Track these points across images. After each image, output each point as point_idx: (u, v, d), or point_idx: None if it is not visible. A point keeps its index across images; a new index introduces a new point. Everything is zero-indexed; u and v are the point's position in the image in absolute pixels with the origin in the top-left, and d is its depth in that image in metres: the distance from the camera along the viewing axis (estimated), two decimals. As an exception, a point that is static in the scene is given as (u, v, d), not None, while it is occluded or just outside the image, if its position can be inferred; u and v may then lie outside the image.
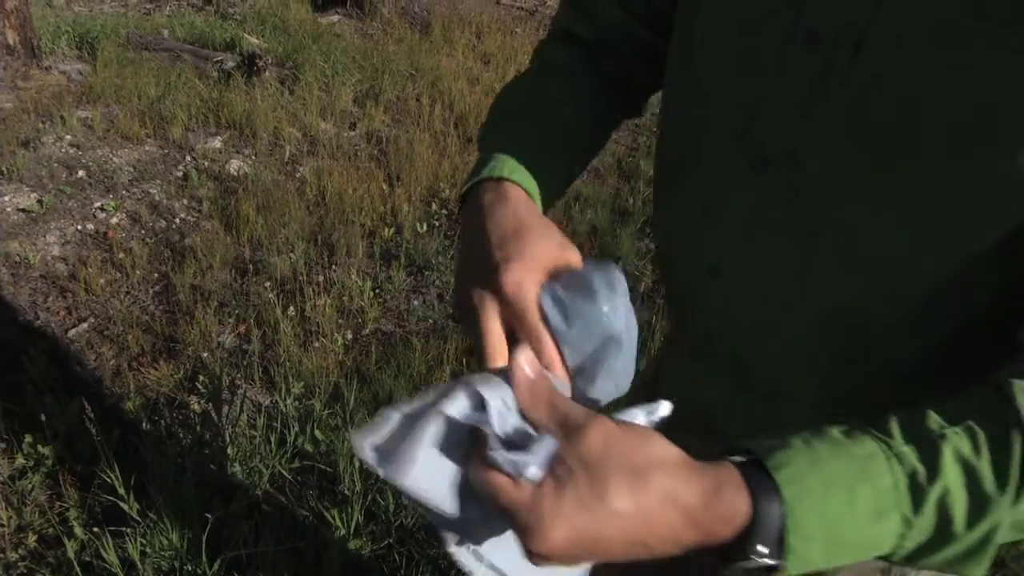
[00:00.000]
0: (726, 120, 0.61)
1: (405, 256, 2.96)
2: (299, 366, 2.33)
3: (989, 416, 0.47)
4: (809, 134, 0.55)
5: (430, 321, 2.68)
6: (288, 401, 2.10)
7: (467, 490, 0.50)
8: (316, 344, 2.48)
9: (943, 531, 0.46)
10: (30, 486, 1.91)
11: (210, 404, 2.04)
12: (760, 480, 0.46)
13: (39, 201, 3.25)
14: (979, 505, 0.46)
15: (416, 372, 2.30)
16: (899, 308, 0.56)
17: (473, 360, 2.35)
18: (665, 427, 0.49)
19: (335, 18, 5.92)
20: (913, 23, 0.49)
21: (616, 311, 0.52)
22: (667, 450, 0.46)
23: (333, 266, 2.93)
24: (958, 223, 0.52)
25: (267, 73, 4.41)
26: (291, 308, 2.63)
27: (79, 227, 3.12)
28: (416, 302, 2.80)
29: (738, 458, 0.47)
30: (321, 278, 2.84)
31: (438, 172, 3.56)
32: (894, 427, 0.48)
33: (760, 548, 0.45)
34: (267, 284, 2.79)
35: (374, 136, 4.02)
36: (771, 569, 0.46)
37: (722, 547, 0.46)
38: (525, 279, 0.52)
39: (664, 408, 0.52)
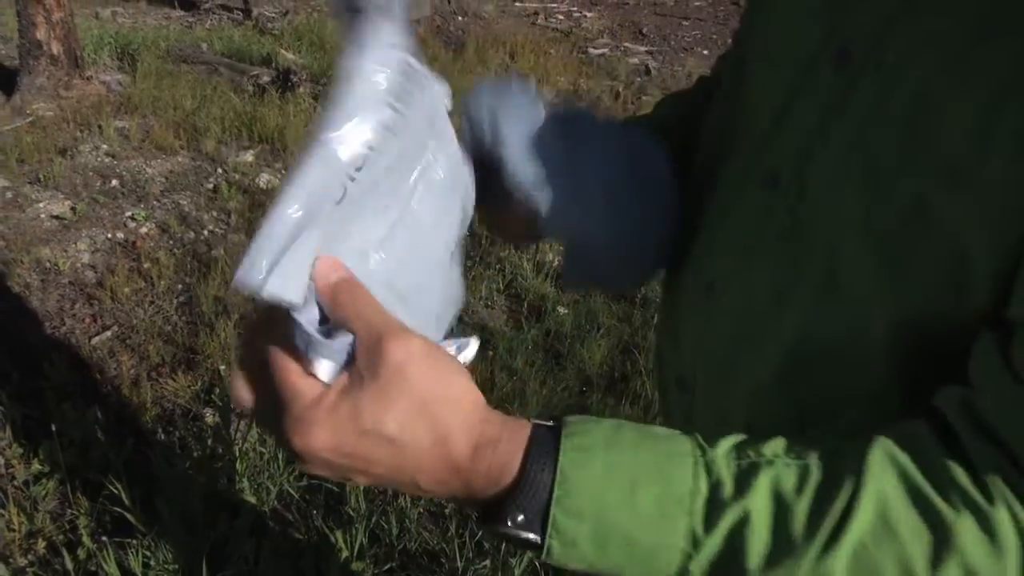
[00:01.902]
0: (752, 132, 0.59)
1: (426, 275, 2.97)
2: (314, 382, 2.34)
3: (834, 462, 0.43)
4: (819, 156, 0.52)
5: (447, 341, 2.68)
6: (300, 418, 2.11)
7: None
8: (332, 361, 2.49)
9: (734, 565, 0.41)
10: (44, 492, 1.94)
11: (221, 418, 2.05)
12: (544, 446, 0.43)
13: (72, 208, 3.32)
14: (781, 549, 0.41)
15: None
16: (873, 365, 0.51)
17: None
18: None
19: (371, 35, 6.00)
20: (943, 40, 0.45)
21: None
22: (464, 391, 0.43)
23: (354, 283, 2.95)
24: (948, 279, 0.46)
25: (301, 88, 4.48)
26: (310, 323, 2.64)
27: (109, 235, 3.18)
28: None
29: (547, 423, 0.45)
30: (342, 294, 2.86)
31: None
32: (726, 440, 0.44)
33: (518, 517, 0.42)
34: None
35: (403, 154, 4.06)
36: (534, 546, 0.42)
37: (481, 507, 0.44)
38: None
39: (472, 348, 0.49)
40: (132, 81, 4.59)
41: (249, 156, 3.88)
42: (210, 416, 2.21)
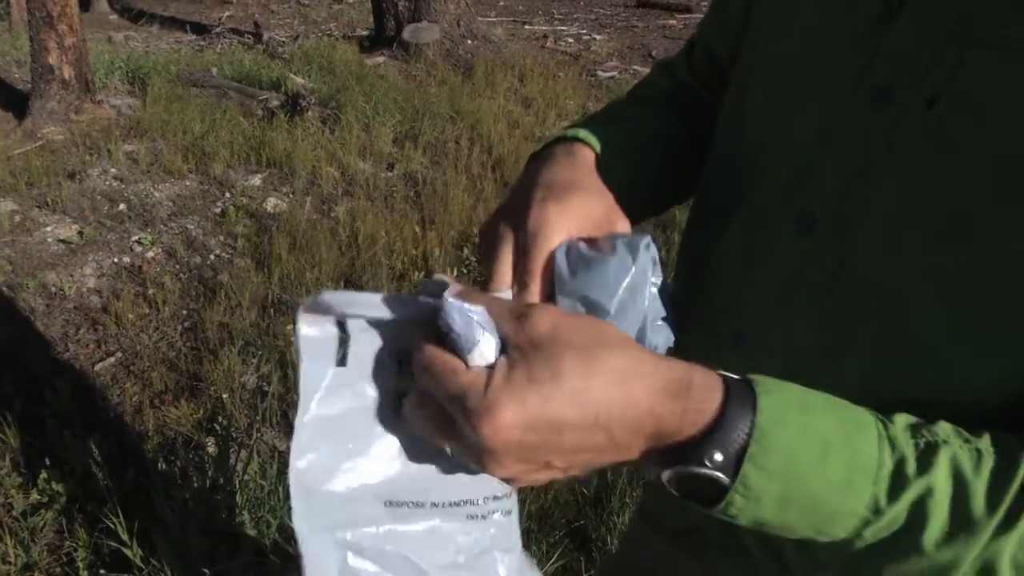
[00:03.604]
0: (776, 171, 0.55)
1: (432, 301, 2.95)
2: (318, 411, 2.30)
3: (1003, 449, 0.43)
4: (864, 198, 0.49)
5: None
6: (303, 447, 2.07)
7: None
8: (337, 388, 2.46)
9: (911, 537, 0.43)
10: (42, 523, 1.91)
11: (221, 449, 2.02)
12: (741, 394, 0.43)
13: (79, 232, 3.32)
14: (959, 524, 0.42)
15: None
16: (941, 415, 0.48)
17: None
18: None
19: (380, 59, 6.03)
20: (997, 78, 0.44)
21: (621, 277, 0.49)
22: (626, 338, 0.44)
23: (360, 308, 2.93)
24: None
25: (310, 112, 4.49)
26: (315, 350, 2.62)
27: (115, 260, 3.18)
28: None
29: (726, 373, 0.45)
30: (347, 320, 2.83)
31: (472, 216, 3.56)
32: (900, 417, 0.45)
33: (716, 456, 0.41)
34: (291, 327, 2.79)
35: (411, 177, 4.05)
36: (715, 496, 0.42)
37: (672, 449, 0.43)
38: (551, 220, 0.50)
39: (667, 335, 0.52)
40: (142, 105, 4.61)
41: (257, 180, 3.88)
42: (211, 445, 2.18)
